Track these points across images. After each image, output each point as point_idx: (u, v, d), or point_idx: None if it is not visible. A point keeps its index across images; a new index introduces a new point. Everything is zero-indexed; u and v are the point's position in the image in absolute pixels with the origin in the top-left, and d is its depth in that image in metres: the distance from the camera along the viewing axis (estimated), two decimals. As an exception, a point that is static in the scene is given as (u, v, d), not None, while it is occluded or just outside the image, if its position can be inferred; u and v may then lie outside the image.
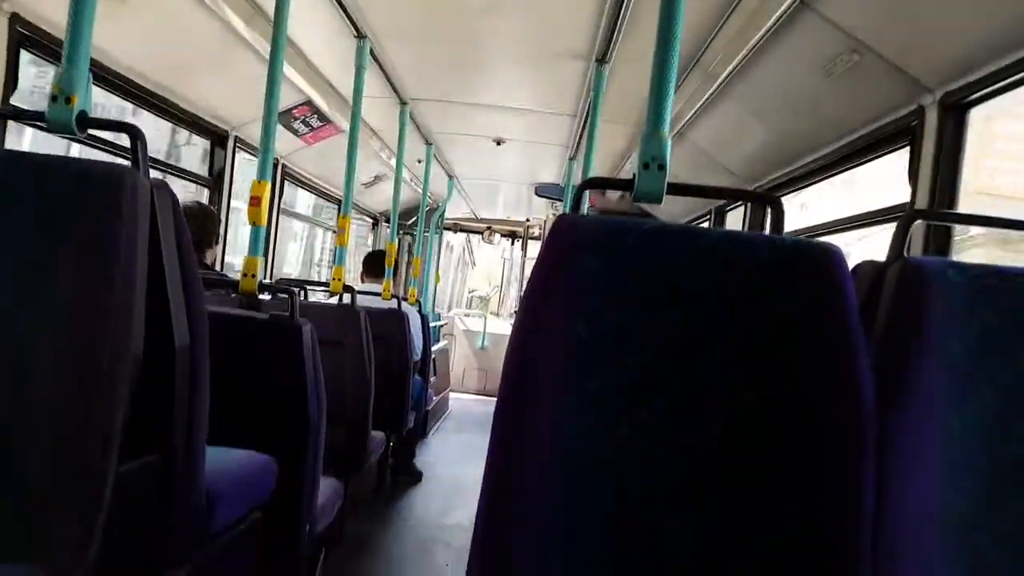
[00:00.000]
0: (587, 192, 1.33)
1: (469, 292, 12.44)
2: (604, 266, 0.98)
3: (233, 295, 2.40)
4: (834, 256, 0.98)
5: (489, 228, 8.82)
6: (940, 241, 2.10)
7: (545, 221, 7.70)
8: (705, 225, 4.84)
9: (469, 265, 11.61)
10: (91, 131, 1.33)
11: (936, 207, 2.08)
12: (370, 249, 6.89)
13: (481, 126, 4.63)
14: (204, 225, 2.75)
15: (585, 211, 3.45)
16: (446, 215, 7.68)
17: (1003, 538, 1.00)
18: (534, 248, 8.20)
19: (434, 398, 5.53)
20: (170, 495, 1.25)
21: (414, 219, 7.04)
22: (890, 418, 0.98)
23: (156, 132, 3.54)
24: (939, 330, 1.02)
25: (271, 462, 1.73)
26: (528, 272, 1.04)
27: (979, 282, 1.05)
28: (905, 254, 1.11)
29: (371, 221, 7.30)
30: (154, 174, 1.22)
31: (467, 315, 9.30)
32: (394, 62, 3.50)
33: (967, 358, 1.02)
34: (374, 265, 4.33)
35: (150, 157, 1.24)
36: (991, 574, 0.99)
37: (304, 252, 7.64)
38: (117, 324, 1.01)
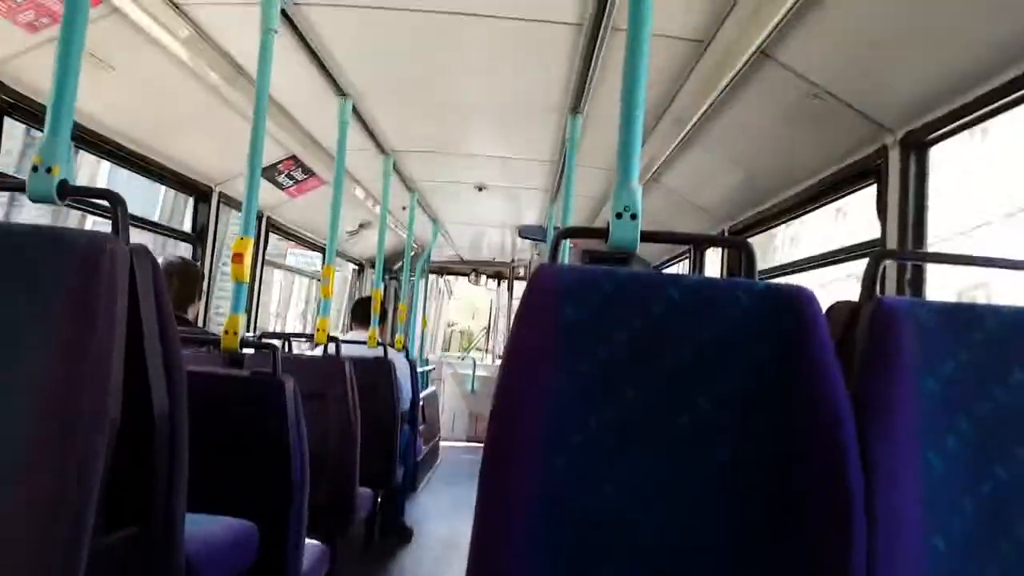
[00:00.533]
0: (566, 239, 1.36)
1: (448, 327, 11.87)
2: (583, 316, 1.01)
3: (215, 351, 2.39)
4: (806, 298, 1.01)
5: (475, 270, 8.84)
6: (913, 275, 2.15)
7: (530, 262, 7.74)
8: (684, 263, 4.90)
9: (445, 295, 10.92)
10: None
11: (906, 243, 2.13)
12: (357, 294, 6.89)
13: (463, 173, 4.69)
14: (187, 281, 2.76)
15: (567, 255, 3.49)
16: (431, 259, 7.71)
17: None
18: (520, 288, 8.21)
19: (423, 448, 5.42)
20: (150, 568, 1.22)
21: (400, 264, 7.06)
22: (872, 459, 0.99)
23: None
24: (914, 369, 1.04)
25: (253, 529, 1.67)
26: (514, 312, 1.07)
27: (950, 319, 1.07)
28: (878, 292, 1.14)
29: (356, 268, 7.31)
30: (137, 233, 1.23)
31: (448, 360, 9.18)
32: (376, 117, 3.56)
33: (944, 395, 1.04)
34: (362, 313, 4.29)
35: (132, 216, 1.24)
36: None
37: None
38: (94, 392, 1.00)
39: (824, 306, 1.08)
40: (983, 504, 1.02)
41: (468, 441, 8.15)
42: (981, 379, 1.06)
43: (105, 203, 1.23)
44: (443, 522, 4.64)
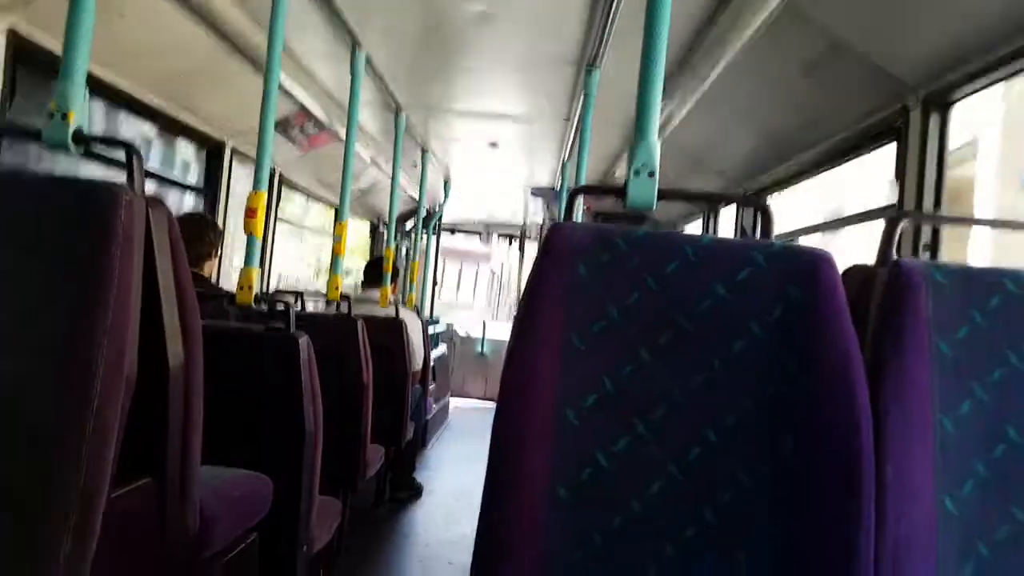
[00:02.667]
0: (580, 197, 1.35)
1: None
2: (597, 274, 1.00)
3: (229, 307, 2.41)
4: (824, 260, 1.00)
5: (487, 230, 8.83)
6: (930, 239, 2.12)
7: (543, 223, 7.71)
8: (699, 223, 4.86)
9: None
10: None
11: (922, 206, 2.10)
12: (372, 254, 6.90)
13: (476, 131, 4.65)
14: (203, 238, 2.76)
15: (580, 216, 3.47)
16: (443, 218, 7.69)
17: (1001, 545, 1.00)
18: (532, 250, 8.19)
19: (433, 407, 5.46)
20: (164, 519, 1.23)
21: (412, 223, 7.05)
22: (884, 422, 0.98)
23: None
24: (929, 332, 1.03)
25: (266, 481, 1.69)
26: (526, 274, 1.06)
27: (967, 283, 1.06)
28: (895, 255, 1.13)
29: (370, 226, 7.31)
30: (149, 185, 1.22)
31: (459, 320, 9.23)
32: (389, 70, 3.52)
33: (958, 359, 1.03)
34: (374, 274, 4.29)
35: (144, 169, 1.23)
36: None
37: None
38: (110, 345, 1.00)
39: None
40: (995, 467, 1.02)
41: (478, 400, 8.23)
42: (997, 344, 1.05)
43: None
44: (453, 478, 4.70)
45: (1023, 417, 1.03)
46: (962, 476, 1.01)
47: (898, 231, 1.16)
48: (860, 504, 0.92)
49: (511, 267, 9.44)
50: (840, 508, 0.93)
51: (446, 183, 6.43)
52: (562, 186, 5.25)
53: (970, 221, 1.41)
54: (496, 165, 5.60)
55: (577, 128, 3.65)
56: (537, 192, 6.16)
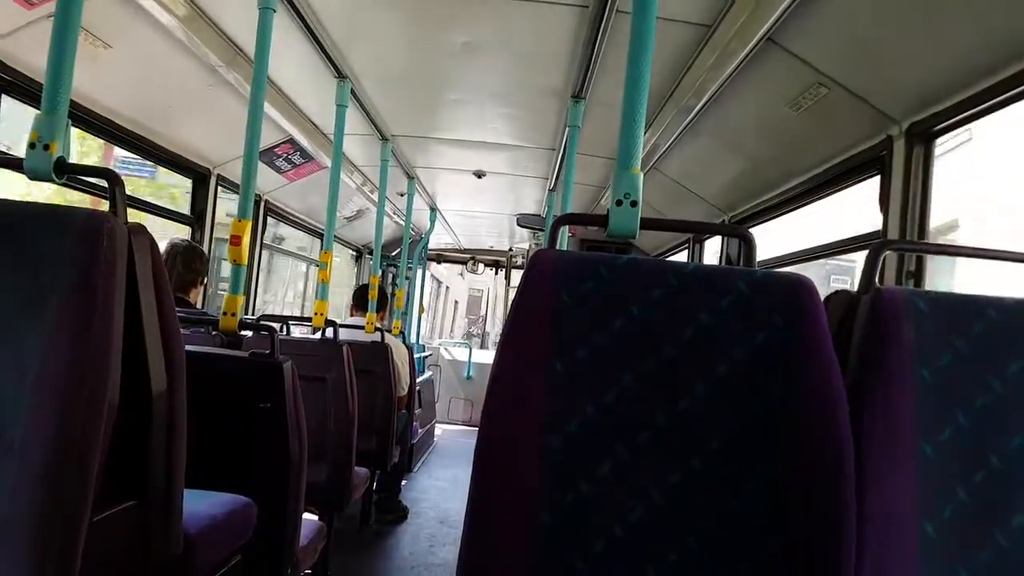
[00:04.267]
0: (564, 226, 1.35)
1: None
2: (580, 301, 1.00)
3: (214, 333, 2.39)
4: (806, 287, 1.01)
5: (473, 258, 8.84)
6: (915, 267, 2.14)
7: (528, 250, 7.73)
8: (684, 253, 4.90)
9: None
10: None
11: (907, 235, 2.12)
12: (356, 281, 6.89)
13: (462, 160, 4.67)
14: (190, 266, 2.74)
15: (565, 244, 3.48)
16: (429, 246, 7.69)
17: (982, 571, 1.00)
18: (518, 277, 8.19)
19: (419, 431, 5.48)
20: (148, 541, 1.23)
21: (398, 251, 7.06)
22: (866, 448, 0.99)
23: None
24: (912, 359, 1.04)
25: (251, 504, 1.70)
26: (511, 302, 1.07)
27: (949, 310, 1.07)
28: (877, 283, 1.14)
29: (355, 254, 7.30)
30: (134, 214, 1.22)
31: (445, 347, 9.24)
32: (375, 100, 3.54)
33: (940, 386, 1.04)
34: (363, 298, 4.31)
35: (129, 196, 1.23)
36: None
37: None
38: (93, 372, 1.00)
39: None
40: (976, 493, 1.02)
41: (464, 425, 8.20)
42: (979, 370, 1.06)
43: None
44: (438, 502, 4.73)
45: (1005, 444, 1.04)
46: (943, 502, 1.01)
47: (881, 259, 1.17)
48: (842, 529, 0.92)
49: (496, 295, 9.44)
50: (822, 532, 0.93)
51: (432, 211, 6.44)
52: (548, 215, 5.27)
53: (953, 250, 1.42)
54: (482, 194, 5.62)
55: (563, 158, 3.67)
56: (523, 222, 6.18)
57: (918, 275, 2.13)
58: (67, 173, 1.32)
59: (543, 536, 0.95)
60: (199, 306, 2.91)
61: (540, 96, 3.28)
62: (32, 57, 2.23)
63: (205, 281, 2.92)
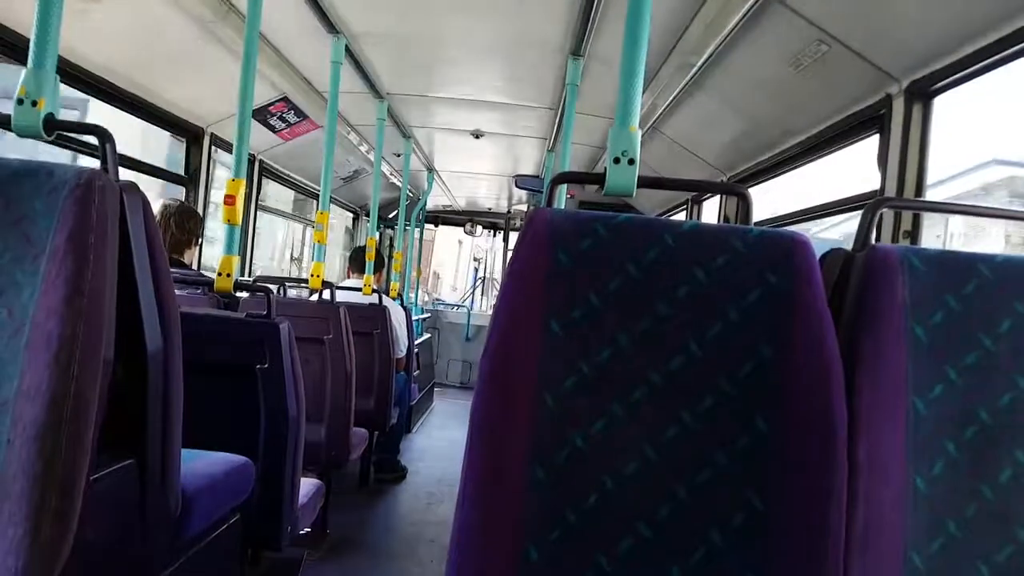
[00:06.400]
0: (562, 185, 1.35)
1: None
2: (577, 260, 1.00)
3: (209, 294, 2.39)
4: (802, 245, 1.01)
5: (471, 220, 8.81)
6: (910, 227, 2.14)
7: (527, 212, 7.68)
8: (683, 214, 4.88)
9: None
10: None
11: (903, 194, 2.12)
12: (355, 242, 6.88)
13: (459, 119, 4.62)
14: (184, 225, 2.73)
15: (563, 204, 3.46)
16: (427, 208, 7.66)
17: (969, 522, 1.02)
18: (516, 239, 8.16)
19: (418, 393, 5.54)
20: (145, 500, 1.25)
21: (395, 212, 7.03)
22: (859, 404, 1.00)
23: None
24: (904, 316, 1.04)
25: (249, 464, 1.72)
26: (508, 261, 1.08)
27: (942, 268, 1.07)
28: (873, 241, 1.14)
29: (352, 216, 7.27)
30: (126, 173, 1.21)
31: (444, 308, 9.27)
32: (370, 58, 3.49)
33: (933, 343, 1.05)
34: (360, 260, 4.31)
35: (120, 155, 1.22)
36: (959, 556, 1.01)
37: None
38: (87, 330, 1.00)
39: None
40: (965, 448, 1.04)
41: (462, 387, 8.27)
42: (971, 327, 1.06)
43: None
44: (436, 462, 4.78)
45: (995, 400, 1.05)
46: (933, 456, 1.03)
47: (877, 216, 1.17)
48: (833, 483, 0.94)
49: (495, 255, 9.43)
50: (814, 487, 0.94)
51: (429, 172, 6.39)
52: (546, 175, 5.24)
53: (949, 208, 1.42)
54: (480, 154, 5.58)
55: (562, 117, 3.63)
56: (521, 183, 6.15)
57: (914, 233, 2.13)
58: (56, 130, 1.30)
59: (537, 491, 0.97)
60: (194, 267, 2.90)
61: (539, 53, 3.23)
62: (18, 13, 2.18)
63: (200, 242, 2.91)
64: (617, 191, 1.18)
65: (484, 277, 11.29)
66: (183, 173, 3.64)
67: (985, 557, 1.02)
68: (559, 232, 1.01)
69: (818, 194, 2.94)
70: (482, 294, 11.09)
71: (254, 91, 2.26)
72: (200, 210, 3.60)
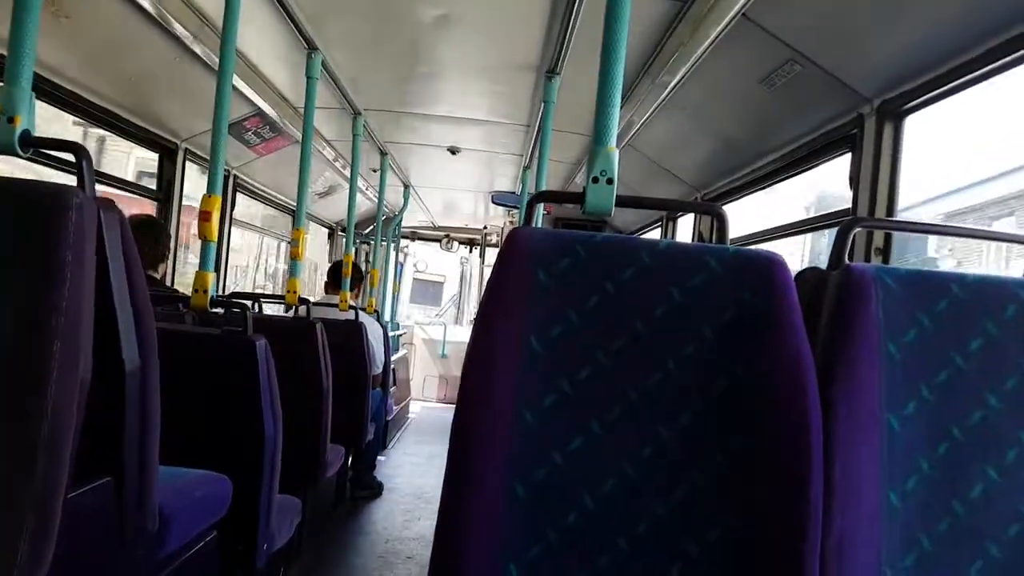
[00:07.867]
0: (540, 204, 1.36)
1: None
2: (556, 279, 1.01)
3: (185, 311, 2.36)
4: (778, 264, 1.03)
5: (447, 236, 8.80)
6: (881, 244, 2.18)
7: (503, 228, 7.72)
8: (658, 231, 4.92)
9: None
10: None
11: (875, 213, 2.16)
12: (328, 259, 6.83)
13: (436, 135, 4.63)
14: (156, 240, 2.70)
15: (540, 221, 3.47)
16: (403, 224, 7.64)
17: (942, 537, 1.04)
18: (492, 255, 8.21)
19: (394, 408, 5.50)
20: (123, 518, 1.24)
21: (371, 228, 6.99)
22: (834, 421, 1.01)
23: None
24: (878, 335, 1.06)
25: (226, 481, 1.71)
26: (487, 280, 1.09)
27: (915, 287, 1.10)
28: (847, 260, 1.16)
29: (327, 231, 7.22)
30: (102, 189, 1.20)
31: (420, 325, 9.25)
32: (346, 74, 3.48)
33: (906, 361, 1.07)
34: (337, 276, 4.27)
35: (96, 171, 1.21)
36: (932, 571, 1.03)
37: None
38: (64, 348, 0.99)
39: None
40: (938, 464, 1.06)
41: (438, 403, 8.24)
42: (943, 346, 1.09)
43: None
44: (413, 478, 4.77)
45: (966, 417, 1.07)
46: (907, 472, 1.05)
47: (851, 236, 1.19)
48: (808, 499, 0.95)
49: (472, 272, 9.43)
50: (789, 503, 0.95)
51: (406, 188, 6.38)
52: (523, 192, 5.26)
53: (921, 227, 1.46)
54: (457, 171, 5.58)
55: (538, 134, 3.66)
56: (498, 200, 6.16)
57: (886, 251, 2.17)
58: (32, 147, 1.29)
59: (517, 507, 0.97)
60: (166, 282, 2.86)
61: (515, 71, 3.25)
62: None
63: (168, 256, 2.88)
64: (596, 210, 1.19)
65: (459, 292, 11.27)
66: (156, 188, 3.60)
67: (957, 571, 1.04)
68: (538, 251, 1.02)
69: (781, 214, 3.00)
70: (458, 310, 11.07)
71: (229, 108, 2.25)
72: (173, 225, 3.56)
